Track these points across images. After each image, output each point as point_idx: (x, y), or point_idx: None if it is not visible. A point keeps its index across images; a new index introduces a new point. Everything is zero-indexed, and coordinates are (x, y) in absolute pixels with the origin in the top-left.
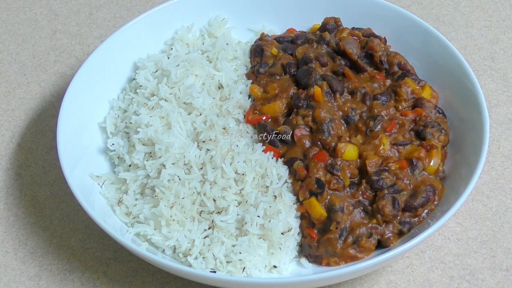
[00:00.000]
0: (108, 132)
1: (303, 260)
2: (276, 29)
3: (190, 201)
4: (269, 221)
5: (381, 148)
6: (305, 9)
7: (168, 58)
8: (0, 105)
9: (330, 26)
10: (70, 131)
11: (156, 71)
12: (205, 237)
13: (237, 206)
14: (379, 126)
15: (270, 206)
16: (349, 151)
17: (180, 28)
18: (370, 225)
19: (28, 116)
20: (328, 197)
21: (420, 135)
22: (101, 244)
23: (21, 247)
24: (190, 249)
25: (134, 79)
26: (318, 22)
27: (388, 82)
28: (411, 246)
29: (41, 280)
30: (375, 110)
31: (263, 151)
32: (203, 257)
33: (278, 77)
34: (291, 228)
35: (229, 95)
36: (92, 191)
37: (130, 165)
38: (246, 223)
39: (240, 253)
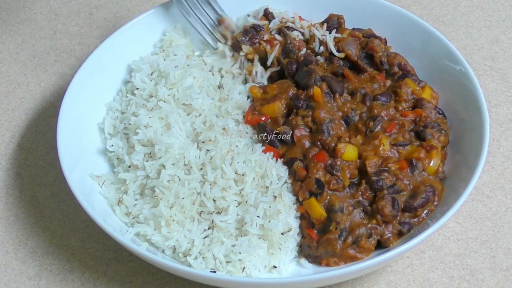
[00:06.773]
0: (106, 133)
1: (303, 261)
2: None
3: (190, 202)
4: (269, 221)
5: (381, 149)
6: (305, 9)
7: (164, 60)
8: (0, 105)
9: (332, 22)
10: (70, 131)
11: (152, 73)
12: (205, 237)
13: (237, 206)
14: (379, 127)
15: (270, 207)
16: (348, 151)
17: (173, 29)
18: (369, 225)
19: (28, 116)
20: (328, 197)
21: (420, 136)
22: (101, 244)
23: (21, 247)
24: (190, 249)
25: (129, 81)
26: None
27: (388, 82)
28: (411, 246)
29: (41, 280)
30: (375, 111)
31: (262, 151)
32: (203, 257)
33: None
34: (291, 229)
35: (228, 95)
36: (92, 191)
37: (129, 166)
38: (246, 223)
39: (240, 253)
